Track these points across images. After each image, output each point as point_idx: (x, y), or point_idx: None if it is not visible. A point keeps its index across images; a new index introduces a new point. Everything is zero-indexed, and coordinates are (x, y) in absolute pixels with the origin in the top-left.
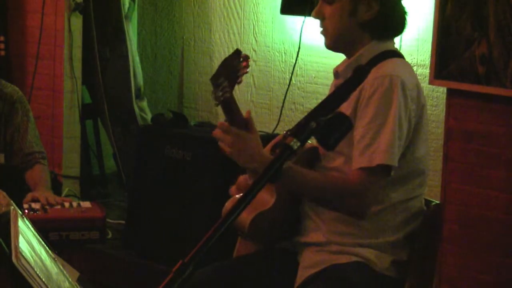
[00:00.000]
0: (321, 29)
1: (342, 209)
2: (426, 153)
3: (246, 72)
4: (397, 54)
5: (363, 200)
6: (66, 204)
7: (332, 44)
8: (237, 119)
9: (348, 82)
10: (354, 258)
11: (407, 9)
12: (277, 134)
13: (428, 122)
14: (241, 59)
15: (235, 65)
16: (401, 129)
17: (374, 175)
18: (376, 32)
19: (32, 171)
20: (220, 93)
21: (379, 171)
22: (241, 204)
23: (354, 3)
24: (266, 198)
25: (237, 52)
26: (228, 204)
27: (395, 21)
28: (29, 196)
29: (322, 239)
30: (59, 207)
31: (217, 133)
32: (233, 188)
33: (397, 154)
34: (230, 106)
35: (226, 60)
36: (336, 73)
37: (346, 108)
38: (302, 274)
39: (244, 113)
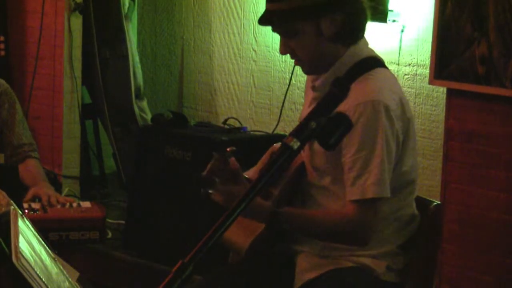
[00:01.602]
0: (294, 60)
1: (344, 242)
2: (414, 162)
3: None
4: (376, 62)
5: (363, 231)
6: (66, 204)
7: (313, 69)
8: (227, 172)
9: (328, 96)
10: (351, 264)
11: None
12: (277, 134)
13: (416, 134)
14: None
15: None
16: (390, 153)
17: (369, 206)
18: (348, 38)
19: (25, 165)
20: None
21: (373, 202)
22: (240, 205)
23: (316, 24)
24: None
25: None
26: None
27: (362, 20)
28: (30, 192)
29: (317, 251)
30: (59, 207)
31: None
32: None
33: (388, 181)
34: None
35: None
36: (313, 87)
37: None
38: (301, 277)
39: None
